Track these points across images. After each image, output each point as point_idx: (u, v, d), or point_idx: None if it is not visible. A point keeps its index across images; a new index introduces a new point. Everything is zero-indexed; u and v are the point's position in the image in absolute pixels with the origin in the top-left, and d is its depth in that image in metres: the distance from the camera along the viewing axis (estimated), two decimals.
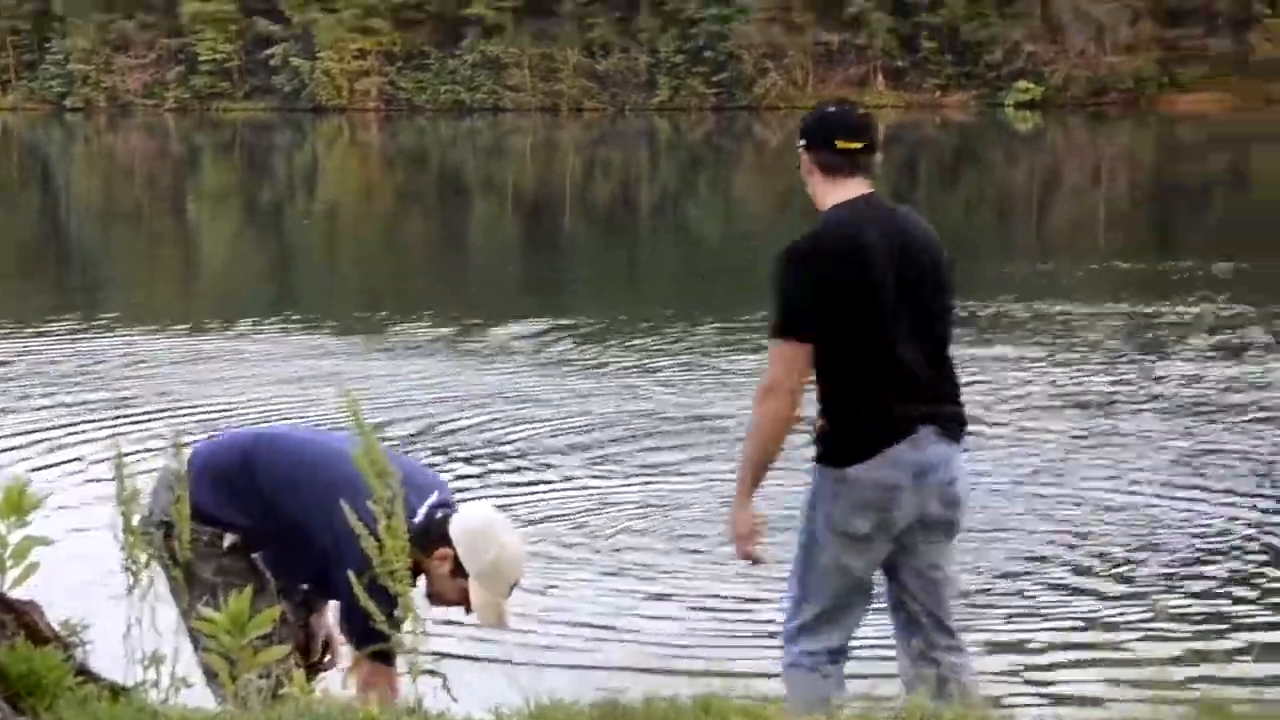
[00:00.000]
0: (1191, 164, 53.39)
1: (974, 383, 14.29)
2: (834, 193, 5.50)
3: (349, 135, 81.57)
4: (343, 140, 79.26)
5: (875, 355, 5.38)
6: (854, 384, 5.42)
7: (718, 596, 8.79)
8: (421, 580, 5.50)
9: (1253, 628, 8.18)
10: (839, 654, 5.57)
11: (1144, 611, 8.37)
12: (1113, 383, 14.96)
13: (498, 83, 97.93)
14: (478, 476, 11.58)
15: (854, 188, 5.48)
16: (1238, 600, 8.64)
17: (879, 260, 5.38)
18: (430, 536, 5.42)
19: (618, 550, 9.68)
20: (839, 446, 5.44)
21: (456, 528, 5.46)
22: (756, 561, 5.54)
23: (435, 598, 5.55)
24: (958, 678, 5.52)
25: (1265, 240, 30.15)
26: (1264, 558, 9.40)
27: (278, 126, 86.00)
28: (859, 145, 5.48)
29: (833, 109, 5.62)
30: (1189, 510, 10.45)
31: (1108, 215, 37.97)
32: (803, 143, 5.56)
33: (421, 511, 5.43)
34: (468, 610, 5.54)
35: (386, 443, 5.72)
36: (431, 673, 4.15)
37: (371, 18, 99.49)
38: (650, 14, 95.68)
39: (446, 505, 5.54)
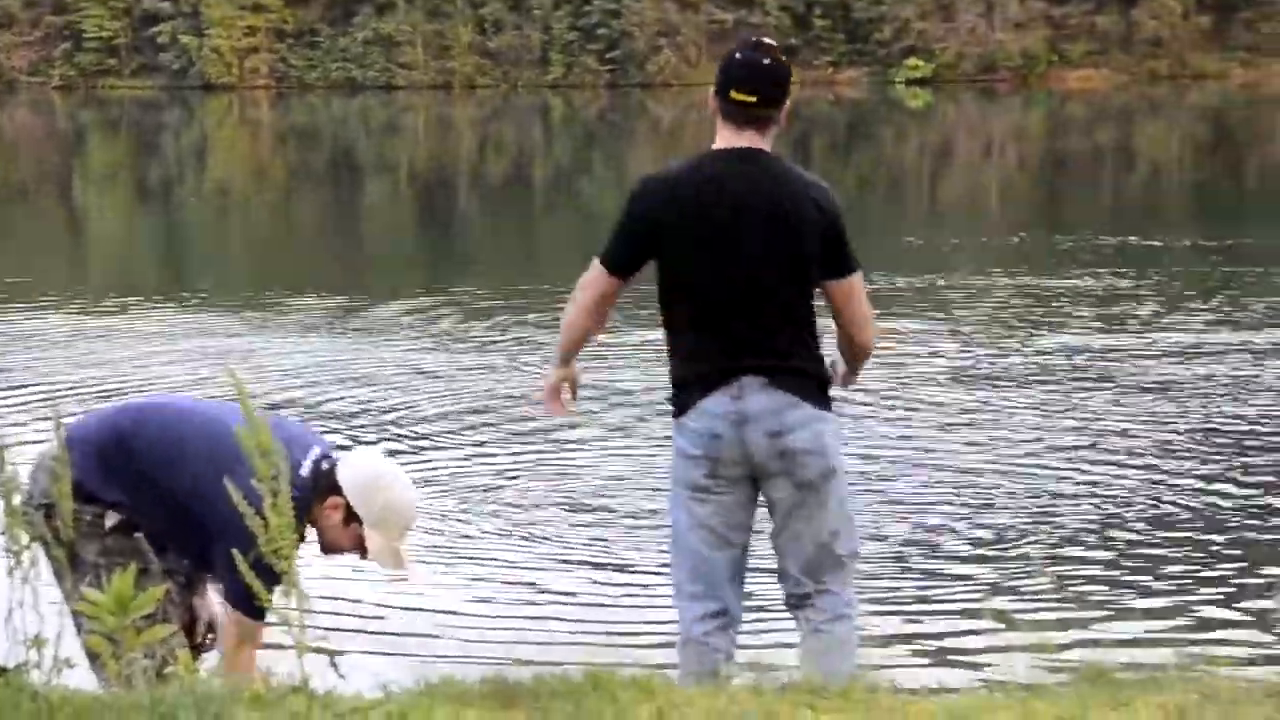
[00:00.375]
0: (1079, 139, 53.84)
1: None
2: (719, 139, 5.43)
3: (239, 113, 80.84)
4: (232, 118, 78.53)
5: (694, 304, 5.40)
6: (677, 333, 5.48)
7: (614, 568, 8.76)
8: (313, 537, 5.45)
9: (1147, 593, 8.24)
10: (723, 618, 5.51)
11: (1037, 580, 8.41)
12: (1004, 355, 15.04)
13: (390, 60, 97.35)
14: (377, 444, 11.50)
15: (740, 138, 5.39)
16: (1131, 569, 8.70)
17: (713, 213, 5.34)
18: (319, 487, 5.38)
19: (508, 525, 9.62)
20: (672, 397, 5.52)
21: (345, 476, 5.43)
22: (566, 418, 5.78)
23: (329, 548, 5.50)
24: (826, 634, 5.46)
25: (1150, 214, 30.46)
26: (1155, 526, 9.47)
27: (166, 104, 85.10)
28: (752, 99, 5.36)
29: (740, 55, 5.43)
30: (1082, 480, 10.52)
31: (998, 190, 38.25)
32: (714, 85, 5.49)
33: (307, 464, 5.38)
34: (363, 556, 5.50)
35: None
36: (319, 650, 4.08)
37: None
38: None
39: (329, 457, 5.49)
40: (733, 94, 5.36)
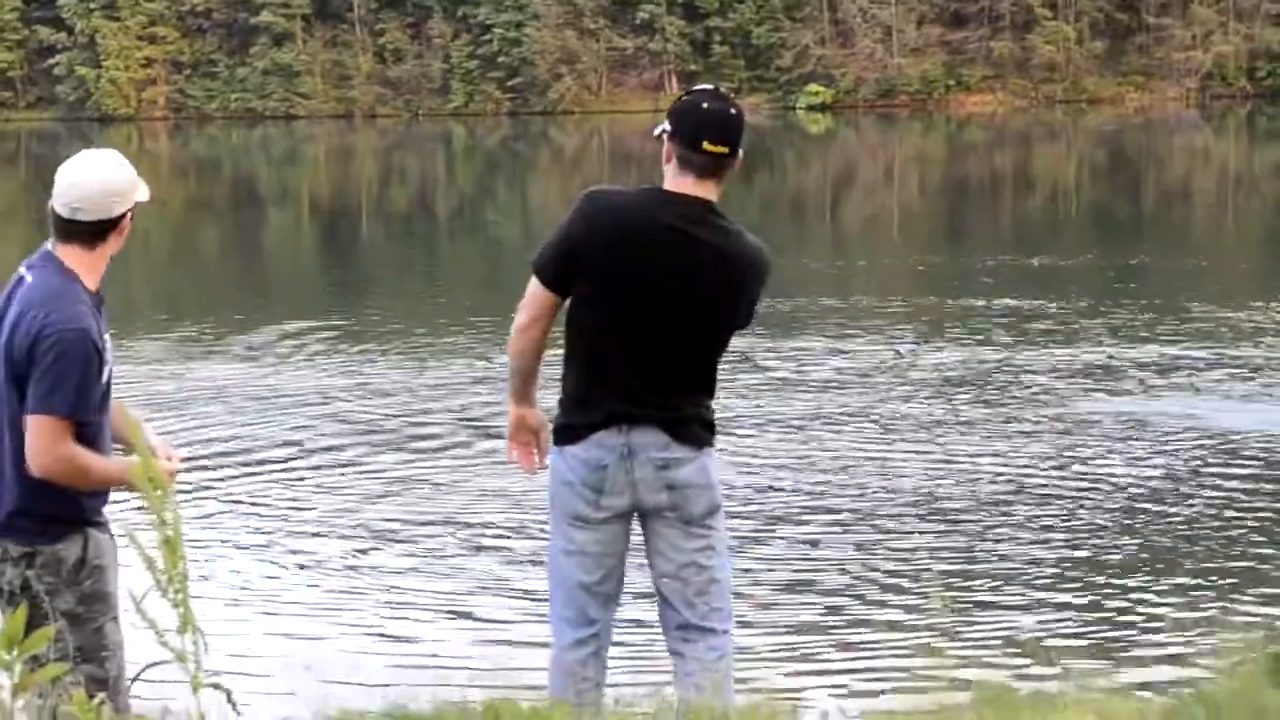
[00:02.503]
0: (978, 162, 54.24)
1: (768, 375, 14.48)
2: (677, 184, 5.40)
3: (138, 144, 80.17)
4: (131, 149, 77.86)
5: (607, 342, 5.37)
6: (579, 363, 5.43)
7: (504, 595, 8.69)
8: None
9: (1047, 611, 8.24)
10: (594, 644, 5.48)
11: (933, 601, 8.40)
12: (899, 369, 15.16)
13: (290, 90, 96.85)
14: (254, 476, 11.44)
15: (700, 188, 5.37)
16: (1024, 589, 8.71)
17: (649, 255, 5.31)
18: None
19: (404, 554, 9.54)
20: (559, 425, 5.47)
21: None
22: (528, 469, 5.59)
23: None
24: (702, 669, 5.42)
25: (1048, 236, 30.68)
26: (1048, 544, 9.50)
27: (64, 137, 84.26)
28: (724, 150, 5.36)
29: (708, 106, 5.41)
30: (977, 498, 10.55)
31: (899, 213, 38.45)
32: (668, 129, 5.41)
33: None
34: None
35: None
36: (215, 686, 3.99)
37: (157, 25, 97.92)
38: (443, 19, 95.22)
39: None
40: (705, 145, 5.34)
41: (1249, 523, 9.93)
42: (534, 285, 5.41)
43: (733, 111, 5.43)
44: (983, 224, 34.49)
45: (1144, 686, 6.49)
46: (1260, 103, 78.74)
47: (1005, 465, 11.45)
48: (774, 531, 9.82)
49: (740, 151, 5.42)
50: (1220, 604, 8.11)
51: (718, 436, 5.54)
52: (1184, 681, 5.28)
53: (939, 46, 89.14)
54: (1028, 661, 7.37)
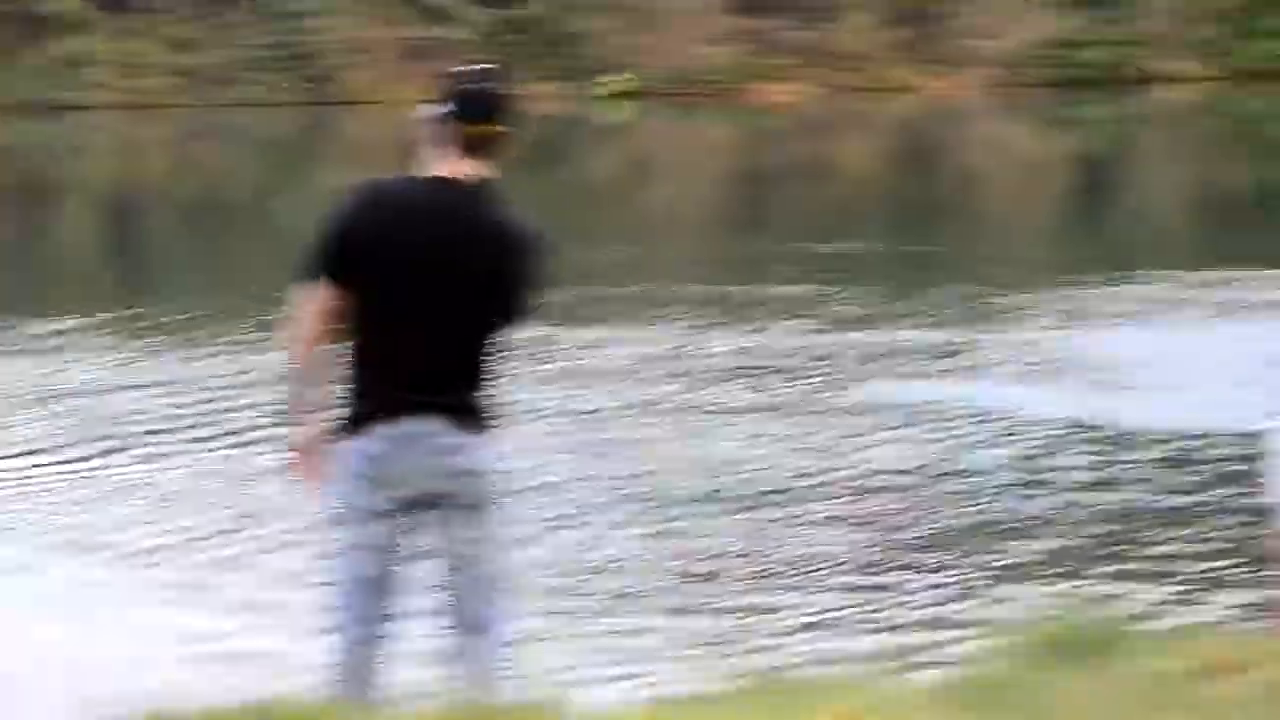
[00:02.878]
0: (780, 151, 54.61)
1: (560, 365, 14.36)
2: (445, 166, 5.28)
3: None
4: None
5: (380, 330, 5.25)
6: (360, 354, 5.30)
7: (299, 590, 8.46)
8: None
9: (824, 597, 8.19)
10: (373, 642, 5.33)
11: (711, 577, 8.33)
12: (706, 357, 15.14)
13: (80, 80, 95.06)
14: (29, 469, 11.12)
15: (466, 166, 5.26)
16: (799, 576, 8.66)
17: (419, 238, 5.20)
18: None
19: (165, 551, 9.28)
20: (342, 416, 5.32)
21: None
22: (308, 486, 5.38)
23: None
24: (479, 664, 5.32)
25: (849, 223, 30.91)
26: (827, 526, 9.47)
27: None
28: (493, 128, 5.28)
29: (475, 85, 5.35)
30: (763, 472, 10.53)
31: (696, 201, 38.54)
32: (433, 109, 5.31)
33: None
34: None
35: None
36: None
37: None
38: (238, 8, 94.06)
39: None
40: (471, 123, 5.25)
41: (1034, 506, 9.98)
42: (306, 289, 5.25)
43: (497, 87, 5.36)
44: (780, 211, 34.66)
45: (920, 668, 6.48)
46: (1052, 91, 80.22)
47: (799, 449, 11.43)
48: (568, 522, 9.69)
49: (509, 127, 5.30)
50: (1003, 586, 8.13)
51: (508, 427, 5.39)
52: (961, 663, 5.23)
53: (741, 35, 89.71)
54: (817, 647, 7.31)
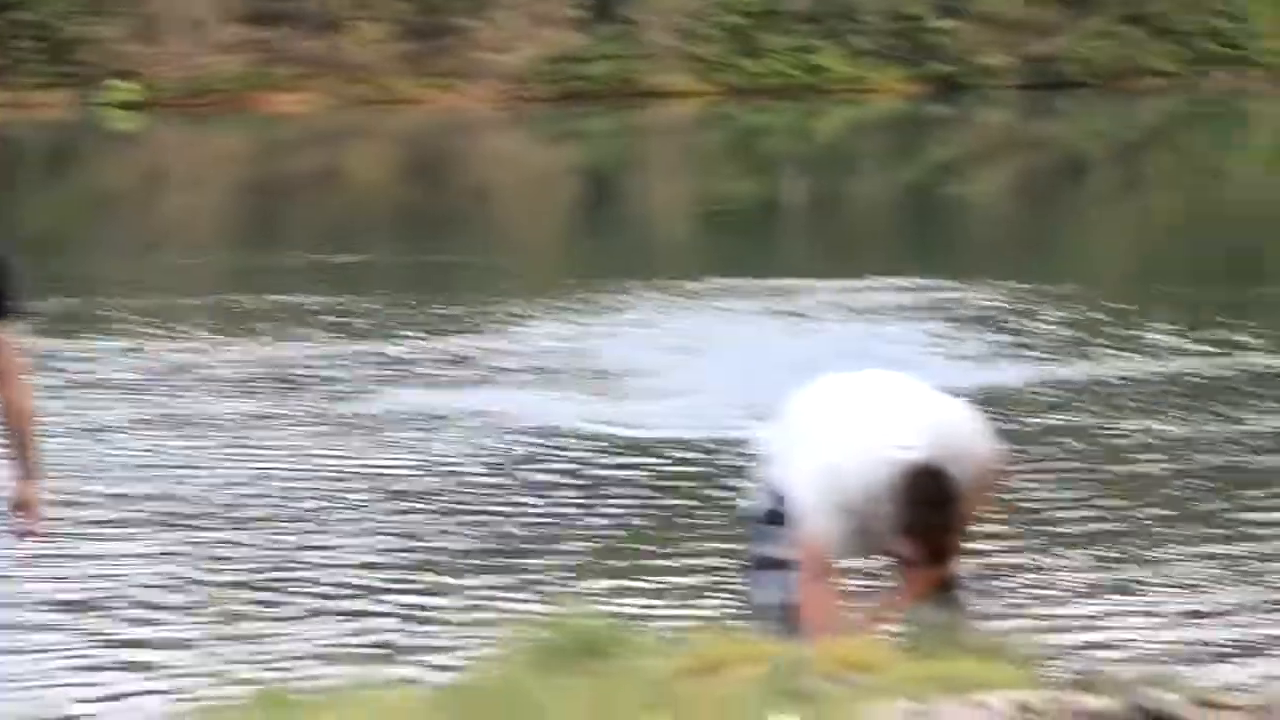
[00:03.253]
0: (291, 161, 54.08)
1: (65, 376, 14.01)
2: None
3: None
4: None
5: None
6: None
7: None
8: None
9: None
10: None
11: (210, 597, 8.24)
12: (208, 367, 14.94)
13: None
14: None
15: None
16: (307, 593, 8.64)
17: None
18: None
19: None
20: None
21: None
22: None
23: None
24: None
25: (359, 232, 30.80)
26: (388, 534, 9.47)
27: None
28: None
29: None
30: (272, 485, 10.44)
31: (204, 211, 37.88)
32: None
33: None
34: None
35: None
36: None
37: None
38: None
39: None
40: None
41: (537, 514, 10.16)
42: None
43: None
44: (289, 222, 34.38)
45: (419, 681, 6.56)
46: (560, 104, 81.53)
47: (309, 462, 11.38)
48: (73, 545, 9.39)
49: None
50: (503, 597, 8.26)
51: None
52: (462, 671, 5.33)
53: (249, 45, 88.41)
54: (326, 670, 7.30)
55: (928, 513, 5.13)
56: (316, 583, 8.74)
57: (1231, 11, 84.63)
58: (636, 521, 10.06)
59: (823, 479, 5.20)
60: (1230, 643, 7.59)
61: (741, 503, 5.48)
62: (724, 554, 9.15)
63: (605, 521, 10.07)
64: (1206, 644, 7.48)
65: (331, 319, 18.05)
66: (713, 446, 11.80)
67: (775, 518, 5.37)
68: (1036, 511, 9.70)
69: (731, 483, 10.29)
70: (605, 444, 12.11)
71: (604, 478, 11.18)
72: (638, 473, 11.29)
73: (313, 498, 10.49)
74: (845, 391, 5.69)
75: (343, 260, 24.17)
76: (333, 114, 79.83)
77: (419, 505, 10.37)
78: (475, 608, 8.31)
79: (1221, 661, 7.28)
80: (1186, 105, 70.31)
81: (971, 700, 3.40)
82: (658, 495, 10.74)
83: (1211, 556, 8.90)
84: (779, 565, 5.36)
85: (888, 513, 5.16)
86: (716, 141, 61.02)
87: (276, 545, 9.44)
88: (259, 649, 7.63)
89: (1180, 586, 8.42)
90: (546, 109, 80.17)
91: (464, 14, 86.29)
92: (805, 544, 5.20)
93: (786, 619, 5.26)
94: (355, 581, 8.78)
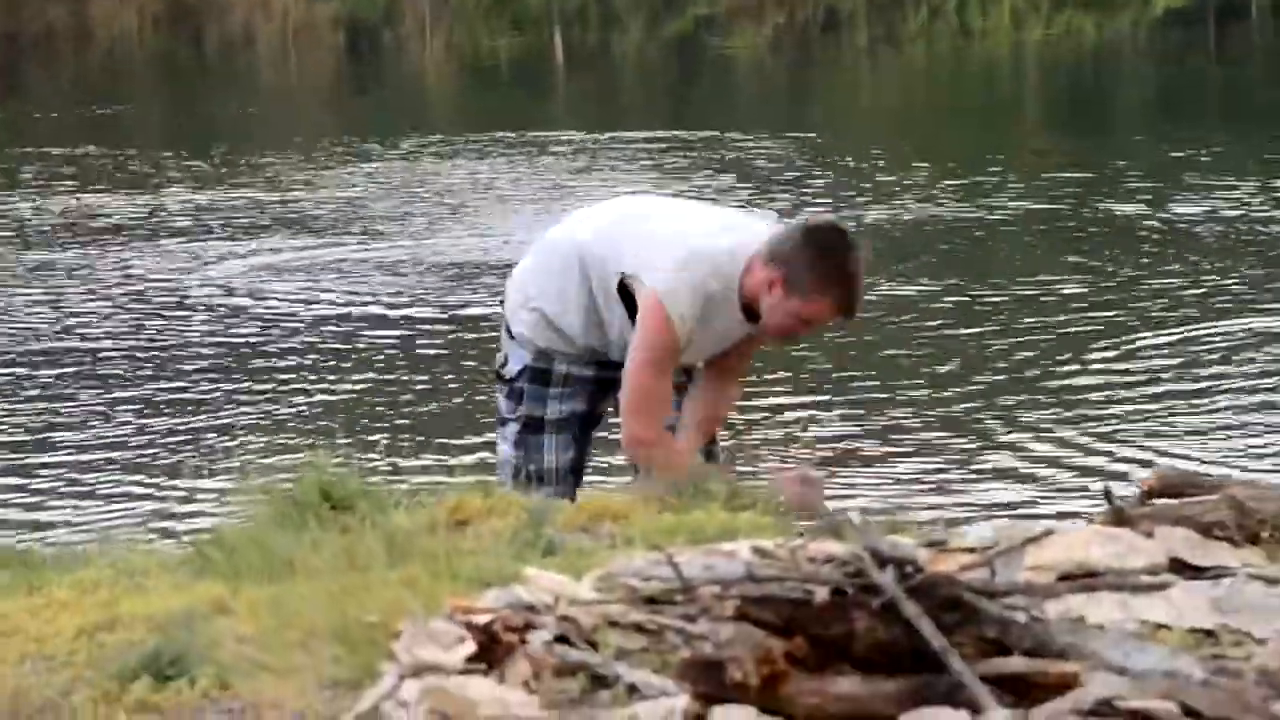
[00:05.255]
0: (29, 14, 52.37)
1: None
2: None
3: None
4: None
5: None
6: None
7: None
8: None
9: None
10: None
11: None
12: None
13: None
14: None
15: None
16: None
17: None
18: None
19: None
20: None
21: None
22: None
23: None
24: None
25: (109, 85, 30.07)
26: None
27: None
28: None
29: None
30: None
31: None
32: None
33: None
34: None
35: None
36: None
37: None
38: None
39: None
40: None
41: (316, 367, 10.06)
42: None
43: None
44: (40, 78, 33.49)
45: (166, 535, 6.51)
46: None
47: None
48: None
49: None
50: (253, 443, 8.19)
51: None
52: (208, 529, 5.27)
53: None
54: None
55: (843, 259, 5.04)
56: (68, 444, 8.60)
57: None
58: (389, 378, 9.99)
59: (680, 262, 5.00)
60: (992, 504, 7.66)
61: (497, 357, 5.38)
62: (479, 410, 9.15)
63: (359, 379, 9.99)
64: (972, 505, 7.56)
65: (97, 169, 17.85)
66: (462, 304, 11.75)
67: (528, 375, 5.27)
68: (789, 366, 9.73)
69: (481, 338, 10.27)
70: (364, 298, 12.01)
71: (356, 333, 11.08)
72: (391, 330, 11.19)
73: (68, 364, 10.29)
74: (642, 204, 5.60)
75: (103, 110, 23.77)
76: None
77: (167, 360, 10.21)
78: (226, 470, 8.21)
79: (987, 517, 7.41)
80: None
81: (711, 548, 3.43)
82: (412, 354, 10.66)
83: (974, 418, 8.96)
84: (529, 422, 5.27)
85: (793, 276, 4.97)
86: None
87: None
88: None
89: (936, 450, 8.45)
90: None
91: None
92: (654, 328, 5.01)
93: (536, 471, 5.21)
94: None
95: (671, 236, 5.08)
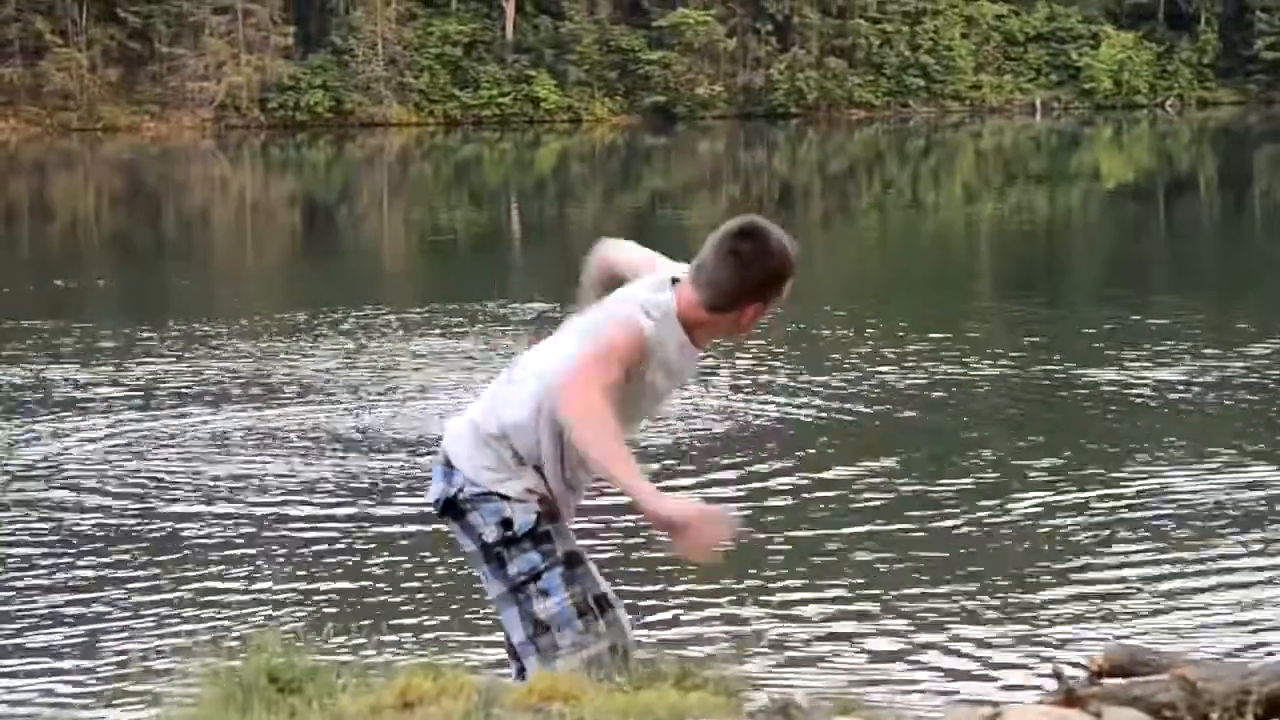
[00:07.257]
0: None
1: None
2: None
3: None
4: None
5: None
6: None
7: None
8: None
9: None
10: None
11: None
12: None
13: None
14: None
15: None
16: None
17: None
18: None
19: None
20: None
21: None
22: None
23: None
24: None
25: (67, 261, 30.10)
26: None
27: None
28: None
29: None
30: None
31: None
32: None
33: None
34: None
35: None
36: None
37: None
38: None
39: None
40: None
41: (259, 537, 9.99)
42: None
43: None
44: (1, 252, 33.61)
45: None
46: (273, 133, 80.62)
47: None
48: None
49: None
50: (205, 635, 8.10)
51: None
52: (159, 705, 5.22)
53: None
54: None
55: (764, 257, 5.04)
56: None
57: (933, 47, 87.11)
58: (340, 553, 9.91)
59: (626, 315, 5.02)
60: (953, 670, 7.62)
61: (485, 533, 5.15)
62: (435, 584, 9.08)
63: (307, 553, 9.91)
64: (920, 684, 7.50)
65: (55, 344, 17.84)
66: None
67: (545, 519, 5.17)
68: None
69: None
70: (313, 470, 11.94)
71: (307, 505, 11.00)
72: (342, 504, 11.12)
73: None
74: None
75: (59, 283, 23.84)
76: (37, 142, 77.92)
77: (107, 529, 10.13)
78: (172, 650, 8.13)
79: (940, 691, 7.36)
80: (890, 136, 71.99)
81: None
82: (366, 529, 10.58)
83: (921, 596, 8.91)
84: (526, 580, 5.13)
85: (718, 285, 5.02)
86: (434, 171, 60.89)
87: None
88: None
89: (883, 630, 8.38)
90: (262, 136, 79.22)
91: (172, 41, 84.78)
92: (616, 331, 4.96)
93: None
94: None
95: (591, 317, 5.14)
